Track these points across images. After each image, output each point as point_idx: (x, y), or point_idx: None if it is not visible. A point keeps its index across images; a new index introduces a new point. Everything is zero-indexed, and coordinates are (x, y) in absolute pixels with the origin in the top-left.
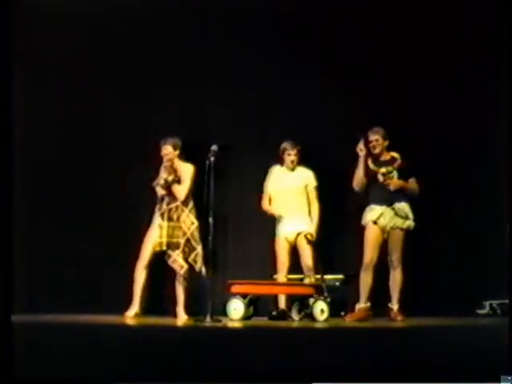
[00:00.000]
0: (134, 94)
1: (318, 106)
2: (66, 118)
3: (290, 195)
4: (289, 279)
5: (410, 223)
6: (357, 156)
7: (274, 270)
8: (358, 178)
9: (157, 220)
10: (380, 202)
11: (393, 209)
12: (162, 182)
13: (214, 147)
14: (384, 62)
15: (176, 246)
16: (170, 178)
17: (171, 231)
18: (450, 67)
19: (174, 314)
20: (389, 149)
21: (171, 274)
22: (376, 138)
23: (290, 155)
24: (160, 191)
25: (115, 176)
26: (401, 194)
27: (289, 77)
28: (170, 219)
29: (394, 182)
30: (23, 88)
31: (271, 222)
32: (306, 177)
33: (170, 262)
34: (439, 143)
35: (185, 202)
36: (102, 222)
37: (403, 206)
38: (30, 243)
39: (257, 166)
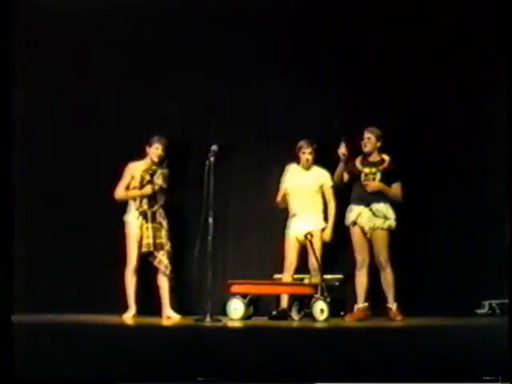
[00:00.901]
0: (134, 93)
1: (318, 106)
2: (65, 118)
3: (304, 194)
4: (296, 279)
5: (390, 223)
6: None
7: (281, 269)
8: (337, 175)
9: (137, 220)
10: (358, 202)
11: (370, 209)
12: (157, 188)
13: (214, 147)
14: (385, 62)
15: (161, 247)
16: (165, 185)
17: (155, 232)
18: (450, 68)
19: (161, 316)
20: (384, 151)
21: (156, 275)
22: (369, 136)
23: (305, 154)
24: (148, 191)
25: (115, 176)
26: (380, 195)
27: (289, 77)
28: (153, 220)
29: (372, 184)
30: (23, 88)
31: (272, 222)
32: (322, 176)
33: (155, 262)
34: (439, 143)
35: (164, 205)
36: (102, 221)
37: (381, 207)
38: (29, 243)
39: (257, 166)
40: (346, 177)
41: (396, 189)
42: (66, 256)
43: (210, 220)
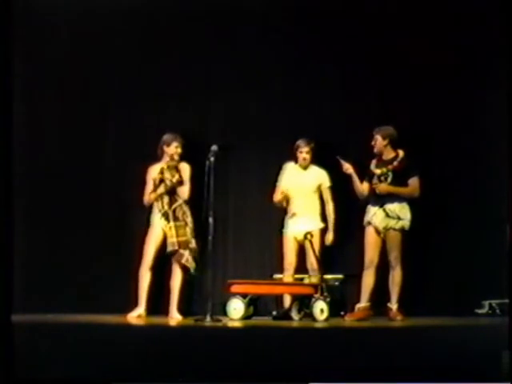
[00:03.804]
0: (135, 93)
1: (318, 106)
2: (66, 118)
3: (302, 194)
4: (296, 279)
5: (403, 224)
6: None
7: (280, 270)
8: (356, 192)
9: (159, 221)
10: (373, 203)
11: (384, 210)
12: (168, 183)
13: (214, 147)
14: (385, 61)
15: (186, 245)
16: (175, 179)
17: (178, 230)
18: (453, 70)
19: (167, 314)
20: (397, 146)
21: (169, 273)
22: (376, 137)
23: (302, 153)
24: (161, 190)
25: (115, 176)
26: (393, 196)
27: (289, 76)
28: (175, 219)
29: (380, 187)
30: (23, 88)
31: (272, 221)
32: (320, 176)
33: (183, 260)
34: (440, 143)
35: (186, 201)
36: (102, 221)
37: (394, 207)
38: (30, 243)
39: (257, 166)
40: (365, 189)
41: (410, 187)
42: (66, 256)
43: (210, 220)
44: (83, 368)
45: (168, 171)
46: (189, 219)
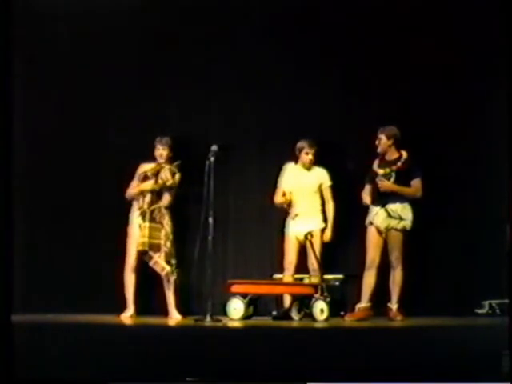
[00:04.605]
0: (134, 93)
1: (318, 106)
2: (65, 118)
3: (304, 194)
4: (296, 279)
5: (405, 224)
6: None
7: (281, 269)
8: (364, 201)
9: (137, 219)
10: (376, 203)
11: (386, 210)
12: (160, 181)
13: (214, 147)
14: (385, 61)
15: (157, 248)
16: (169, 182)
17: (152, 232)
18: (453, 70)
19: (166, 314)
20: (401, 147)
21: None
22: (380, 136)
23: (308, 154)
24: (147, 187)
25: (115, 176)
26: (396, 196)
27: (289, 76)
28: (151, 220)
29: (384, 185)
30: (23, 88)
31: (272, 222)
32: (321, 176)
33: (151, 263)
34: (439, 144)
35: (166, 207)
36: (102, 222)
37: (396, 207)
38: (30, 243)
39: (257, 166)
40: (368, 191)
41: (413, 187)
42: (66, 256)
43: (210, 220)
44: (83, 368)
45: (164, 172)
46: (165, 222)
